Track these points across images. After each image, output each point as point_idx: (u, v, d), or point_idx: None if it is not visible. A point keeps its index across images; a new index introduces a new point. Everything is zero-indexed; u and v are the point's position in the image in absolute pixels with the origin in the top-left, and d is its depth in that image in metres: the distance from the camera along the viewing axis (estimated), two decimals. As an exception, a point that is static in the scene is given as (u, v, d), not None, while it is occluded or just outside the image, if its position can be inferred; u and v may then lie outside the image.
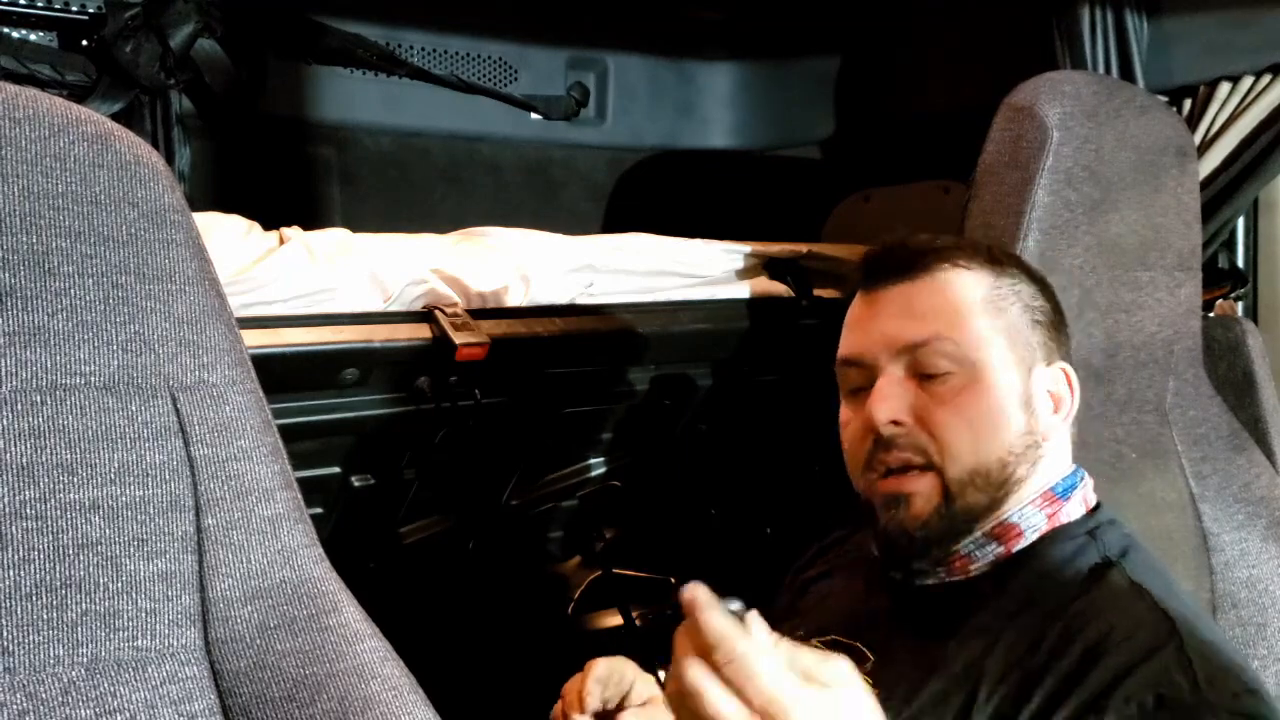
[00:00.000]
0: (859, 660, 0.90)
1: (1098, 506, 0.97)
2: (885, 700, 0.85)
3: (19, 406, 0.67)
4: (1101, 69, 1.43)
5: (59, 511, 0.68)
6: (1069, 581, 0.88)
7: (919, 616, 0.93)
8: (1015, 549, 0.91)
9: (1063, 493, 0.94)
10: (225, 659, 0.74)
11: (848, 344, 0.97)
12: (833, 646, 0.94)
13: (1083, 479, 0.97)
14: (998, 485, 0.90)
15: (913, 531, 0.90)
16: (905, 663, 0.89)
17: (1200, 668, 0.78)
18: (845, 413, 0.98)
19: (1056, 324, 0.97)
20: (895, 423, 0.91)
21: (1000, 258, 0.97)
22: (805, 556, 1.17)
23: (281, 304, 1.17)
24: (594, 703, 0.95)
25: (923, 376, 0.91)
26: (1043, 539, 0.92)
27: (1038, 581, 0.89)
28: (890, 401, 0.91)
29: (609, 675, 0.96)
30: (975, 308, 0.92)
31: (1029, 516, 0.92)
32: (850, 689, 0.63)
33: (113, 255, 0.71)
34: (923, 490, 0.90)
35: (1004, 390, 0.91)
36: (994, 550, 0.92)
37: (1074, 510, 0.94)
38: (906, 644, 0.91)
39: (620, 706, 0.95)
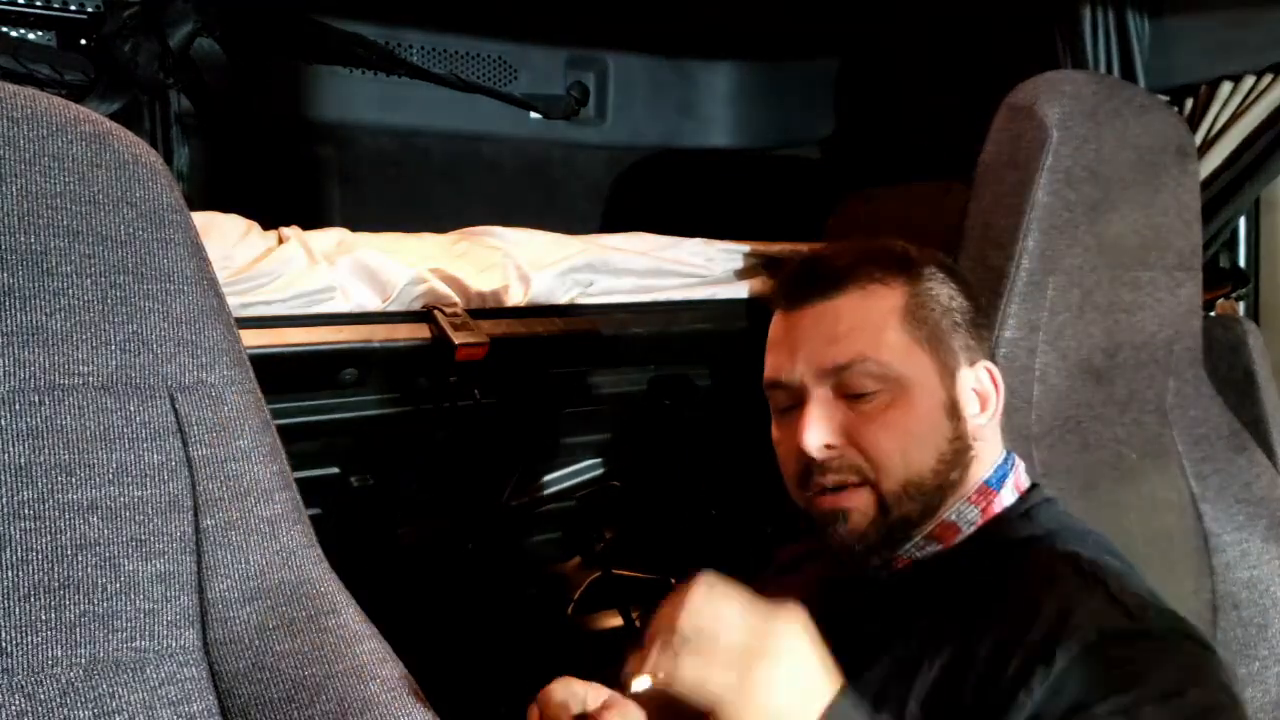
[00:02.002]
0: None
1: (1033, 487, 1.00)
2: None
3: (17, 406, 0.67)
4: (1102, 69, 1.42)
5: (57, 512, 0.68)
6: (1003, 560, 0.92)
7: (863, 605, 0.96)
8: (954, 543, 0.95)
9: (995, 483, 0.97)
10: (224, 660, 0.74)
11: (772, 367, 0.99)
12: None
13: (1013, 464, 1.00)
14: (931, 493, 0.93)
15: (853, 545, 0.94)
16: (850, 651, 0.90)
17: (1131, 605, 0.84)
18: (777, 433, 1.00)
19: (976, 321, 0.99)
20: (827, 446, 0.93)
21: (917, 260, 0.98)
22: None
23: (281, 304, 1.17)
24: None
25: (850, 396, 0.93)
26: (979, 530, 0.95)
27: (975, 567, 0.93)
28: (820, 425, 0.93)
29: (568, 695, 0.91)
30: (894, 322, 0.94)
31: (965, 513, 0.95)
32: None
33: (111, 255, 0.71)
34: (859, 505, 0.93)
35: (930, 401, 0.94)
36: (934, 548, 0.95)
37: (1007, 497, 0.97)
38: (850, 632, 0.91)
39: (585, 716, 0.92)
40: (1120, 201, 1.23)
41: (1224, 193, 1.45)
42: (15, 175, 0.68)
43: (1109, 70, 1.42)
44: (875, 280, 0.95)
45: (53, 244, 0.69)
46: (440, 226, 1.48)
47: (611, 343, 1.41)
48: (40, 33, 1.32)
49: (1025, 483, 1.00)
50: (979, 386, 0.97)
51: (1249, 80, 1.41)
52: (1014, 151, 1.18)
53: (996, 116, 1.21)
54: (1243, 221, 1.60)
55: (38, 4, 1.29)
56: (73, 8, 1.31)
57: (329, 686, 0.74)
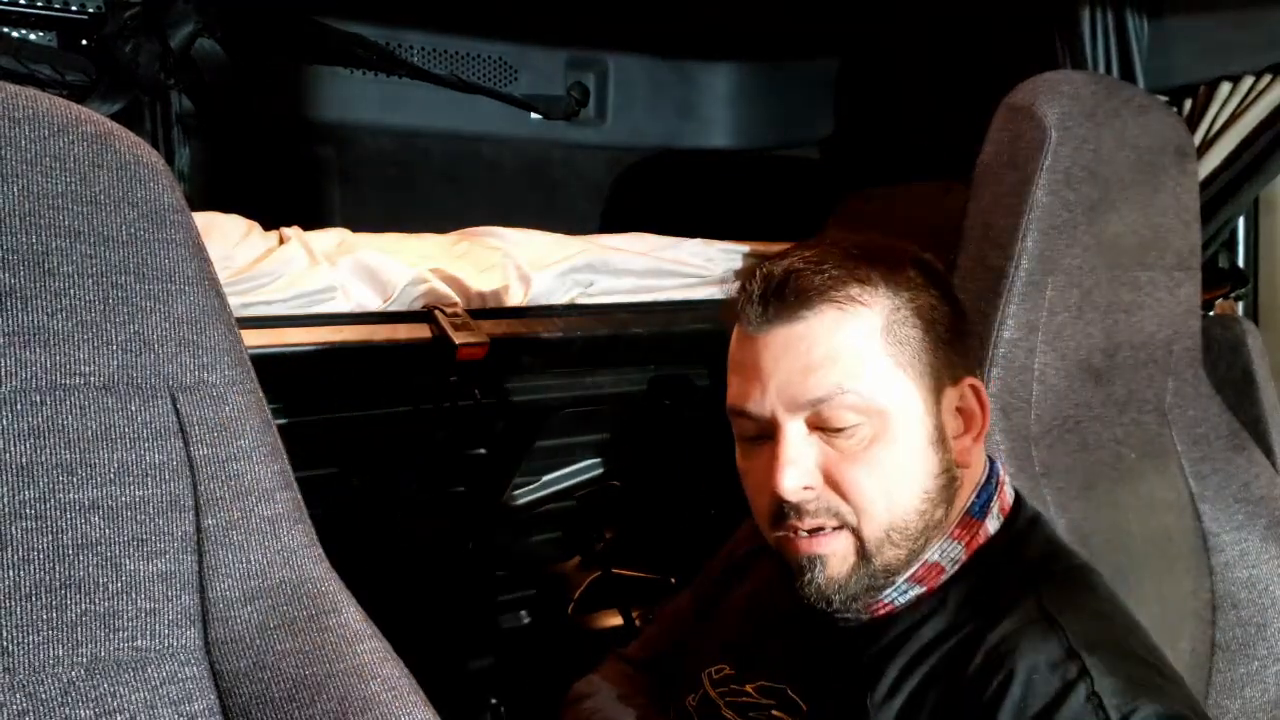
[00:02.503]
0: (792, 710, 0.90)
1: (1016, 505, 0.93)
2: None
3: (18, 406, 0.67)
4: (1101, 69, 1.43)
5: (59, 512, 0.68)
6: (986, 616, 0.84)
7: (845, 658, 0.89)
8: (936, 585, 0.88)
9: (979, 512, 0.90)
10: (225, 659, 0.74)
11: (738, 395, 0.88)
12: (766, 693, 0.93)
13: (996, 479, 0.93)
14: (915, 536, 0.86)
15: (829, 595, 0.86)
16: (835, 712, 0.87)
17: (1115, 706, 0.75)
18: (742, 461, 0.91)
19: (960, 330, 0.90)
20: (805, 488, 0.84)
21: (894, 263, 0.88)
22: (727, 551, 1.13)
23: (282, 304, 1.18)
24: None
25: (827, 431, 0.84)
26: (962, 568, 0.88)
27: (958, 619, 0.85)
28: (796, 466, 0.84)
29: None
30: (875, 345, 0.84)
31: (948, 550, 0.88)
32: None
33: (112, 255, 0.71)
34: (839, 551, 0.85)
35: (914, 432, 0.85)
36: (916, 592, 0.88)
37: (992, 526, 0.90)
38: (833, 689, 0.88)
39: None
40: (1119, 202, 1.23)
41: (1223, 193, 1.45)
42: (17, 175, 0.68)
43: (1108, 70, 1.43)
44: (852, 298, 0.85)
45: (54, 244, 0.69)
46: (440, 227, 1.48)
47: (611, 343, 1.41)
48: (42, 33, 1.32)
49: (1009, 498, 0.93)
50: (964, 404, 0.89)
51: (1248, 81, 1.41)
52: (1013, 152, 1.18)
53: (995, 117, 1.21)
54: (1241, 221, 1.61)
55: (39, 5, 1.29)
56: (74, 8, 1.31)
57: (330, 685, 0.75)
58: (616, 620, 1.59)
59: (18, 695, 0.66)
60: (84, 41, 1.31)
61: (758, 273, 0.88)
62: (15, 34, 1.30)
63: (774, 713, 0.91)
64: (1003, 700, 0.77)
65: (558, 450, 1.57)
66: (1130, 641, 0.83)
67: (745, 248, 1.56)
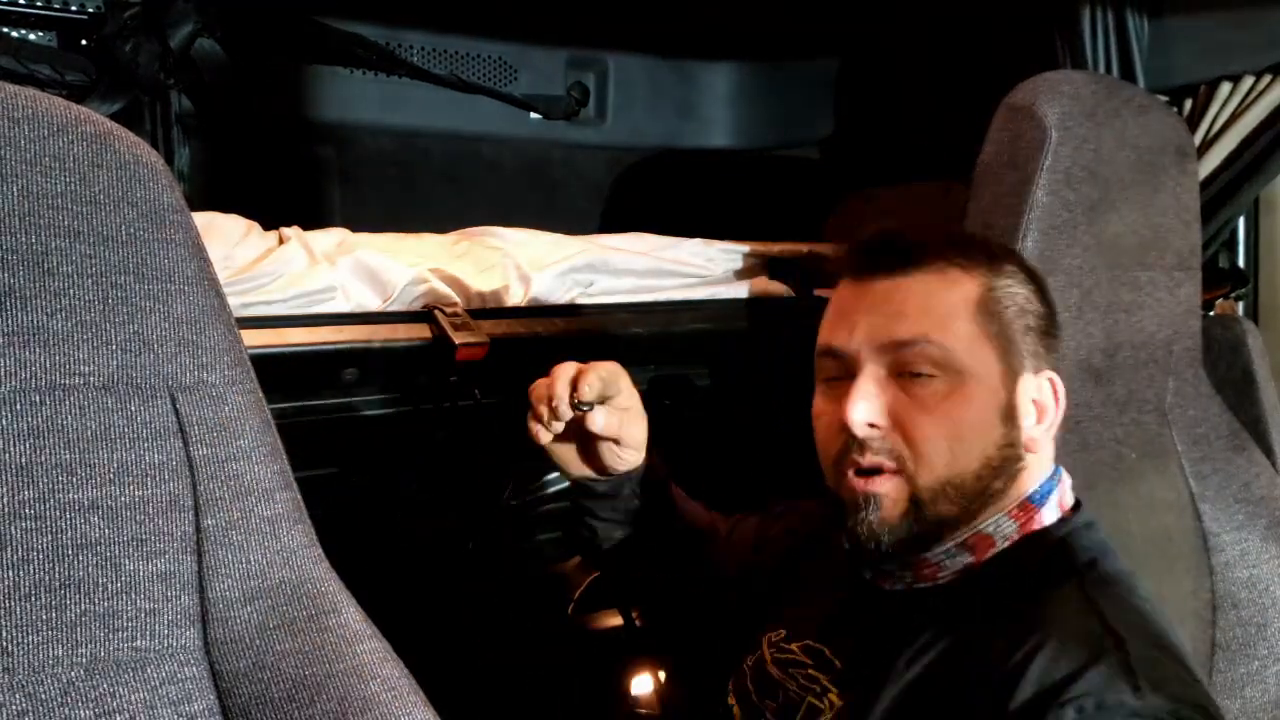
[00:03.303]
0: (827, 668, 0.93)
1: (1076, 506, 0.95)
2: (849, 707, 0.89)
3: (17, 407, 0.67)
4: (1102, 69, 1.43)
5: (58, 512, 0.68)
6: (1027, 592, 0.86)
7: (883, 622, 0.92)
8: (984, 558, 0.90)
9: (1039, 500, 0.92)
10: (225, 659, 0.74)
11: (829, 333, 0.93)
12: (808, 653, 0.96)
13: (1060, 480, 0.95)
14: (971, 497, 0.88)
15: (880, 536, 0.89)
16: (867, 671, 0.89)
17: (1144, 681, 0.76)
18: (820, 403, 0.95)
19: (1049, 329, 0.94)
20: (871, 424, 0.88)
21: (999, 254, 0.94)
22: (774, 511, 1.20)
23: (281, 304, 1.17)
24: (592, 394, 1.01)
25: (904, 376, 0.88)
26: (1013, 546, 0.90)
27: (999, 592, 0.88)
28: (868, 402, 0.88)
29: (612, 377, 1.03)
30: (967, 311, 0.89)
31: (1002, 526, 0.90)
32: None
33: (112, 255, 0.71)
34: (892, 494, 0.88)
35: (987, 400, 0.88)
36: (964, 560, 0.90)
37: (1049, 515, 0.92)
38: (869, 651, 0.91)
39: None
40: (1119, 202, 1.23)
41: (1223, 193, 1.45)
42: (16, 175, 0.68)
43: (1108, 70, 1.43)
44: (955, 265, 0.90)
45: (54, 244, 0.69)
46: (440, 227, 1.48)
47: (611, 343, 1.41)
48: (41, 33, 1.32)
49: (1069, 500, 0.95)
50: (1039, 397, 0.92)
51: (1248, 81, 1.41)
52: (1013, 152, 1.18)
53: (995, 117, 1.21)
54: (1242, 222, 1.61)
55: (39, 5, 1.29)
56: (74, 8, 1.31)
57: (330, 686, 0.75)
58: (616, 620, 1.59)
59: (17, 695, 0.66)
60: (84, 41, 1.31)
61: (877, 230, 0.95)
62: (15, 34, 1.30)
63: (810, 671, 0.94)
64: (1030, 663, 0.79)
65: (558, 450, 1.57)
66: (1165, 639, 0.84)
67: (745, 248, 1.56)
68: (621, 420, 1.05)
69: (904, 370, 0.88)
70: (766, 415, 1.69)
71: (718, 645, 1.14)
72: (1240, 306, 1.64)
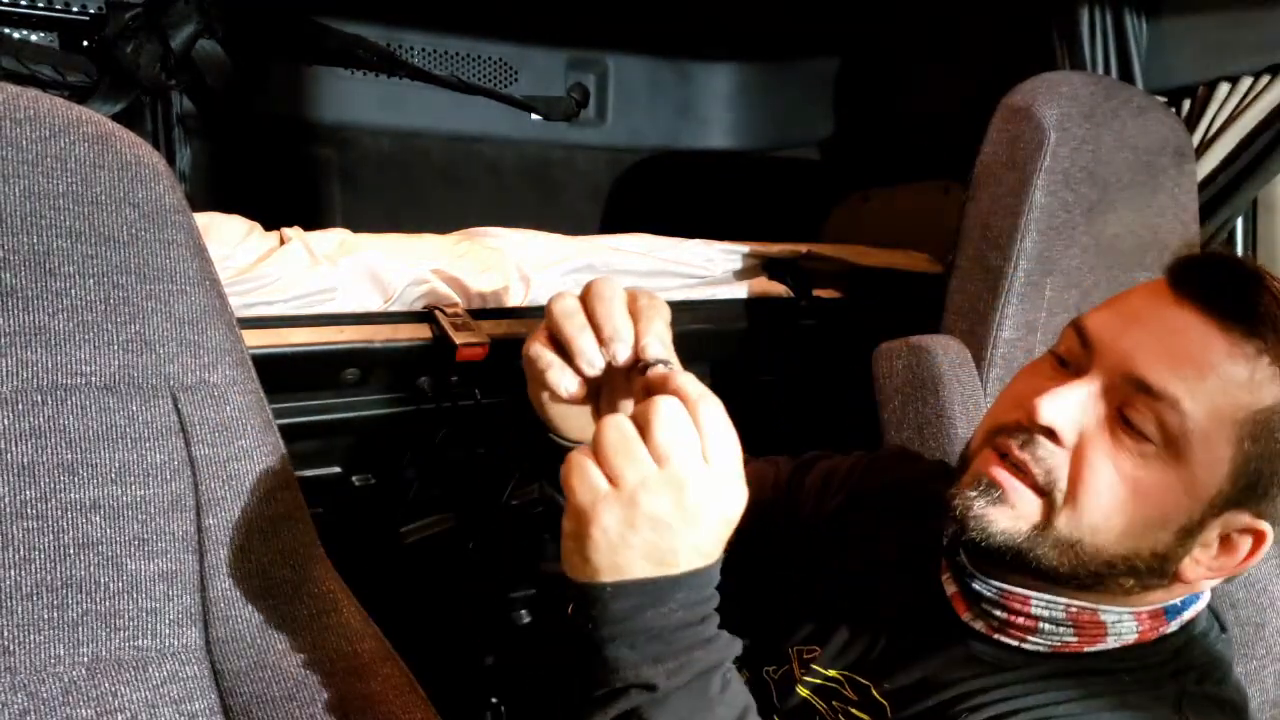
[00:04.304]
0: (875, 710, 0.82)
1: (1207, 612, 0.83)
2: None
3: (20, 406, 0.67)
4: (1100, 69, 1.43)
5: (60, 511, 0.68)
6: (1120, 692, 0.76)
7: (951, 677, 0.80)
8: (1087, 650, 0.78)
9: (1173, 613, 0.80)
10: (226, 658, 0.74)
11: (1097, 322, 0.77)
12: (852, 686, 0.85)
13: (1201, 600, 0.82)
14: (1088, 574, 0.75)
15: (972, 525, 0.76)
16: (940, 704, 0.80)
17: None
18: (1034, 365, 0.81)
19: None
20: (1053, 433, 0.74)
21: None
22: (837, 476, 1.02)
23: (282, 304, 1.18)
24: (662, 344, 0.70)
25: (1124, 421, 0.73)
26: (1123, 649, 0.79)
27: (1089, 688, 0.76)
28: (1067, 412, 0.74)
29: (666, 323, 0.72)
30: (1238, 414, 0.71)
31: (1123, 624, 0.78)
32: (731, 498, 0.62)
33: (113, 255, 0.71)
34: (1018, 506, 0.76)
35: (1177, 502, 0.73)
36: (1064, 636, 0.78)
37: (1174, 626, 0.80)
38: (927, 705, 0.79)
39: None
40: (1118, 202, 1.23)
41: (1221, 194, 1.45)
42: (18, 176, 0.68)
43: (1107, 71, 1.43)
44: (1271, 356, 0.71)
45: (55, 244, 0.69)
46: (441, 227, 1.48)
47: (611, 343, 1.41)
48: (43, 34, 1.32)
49: (1195, 614, 0.82)
50: (1233, 541, 0.76)
51: (1246, 81, 1.41)
52: (1012, 152, 1.18)
53: (995, 117, 1.21)
54: (1240, 222, 1.60)
55: (40, 6, 1.29)
56: (75, 10, 1.31)
57: (330, 684, 0.75)
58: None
59: (19, 695, 0.67)
60: (85, 43, 1.32)
61: (1235, 255, 0.81)
62: (17, 35, 1.30)
63: (854, 710, 0.84)
64: None
65: (558, 450, 1.57)
66: None
67: (745, 248, 1.56)
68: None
69: (1128, 415, 0.73)
70: (766, 415, 1.69)
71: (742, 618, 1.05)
72: (1239, 307, 1.64)
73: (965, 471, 0.79)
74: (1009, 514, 0.76)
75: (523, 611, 1.56)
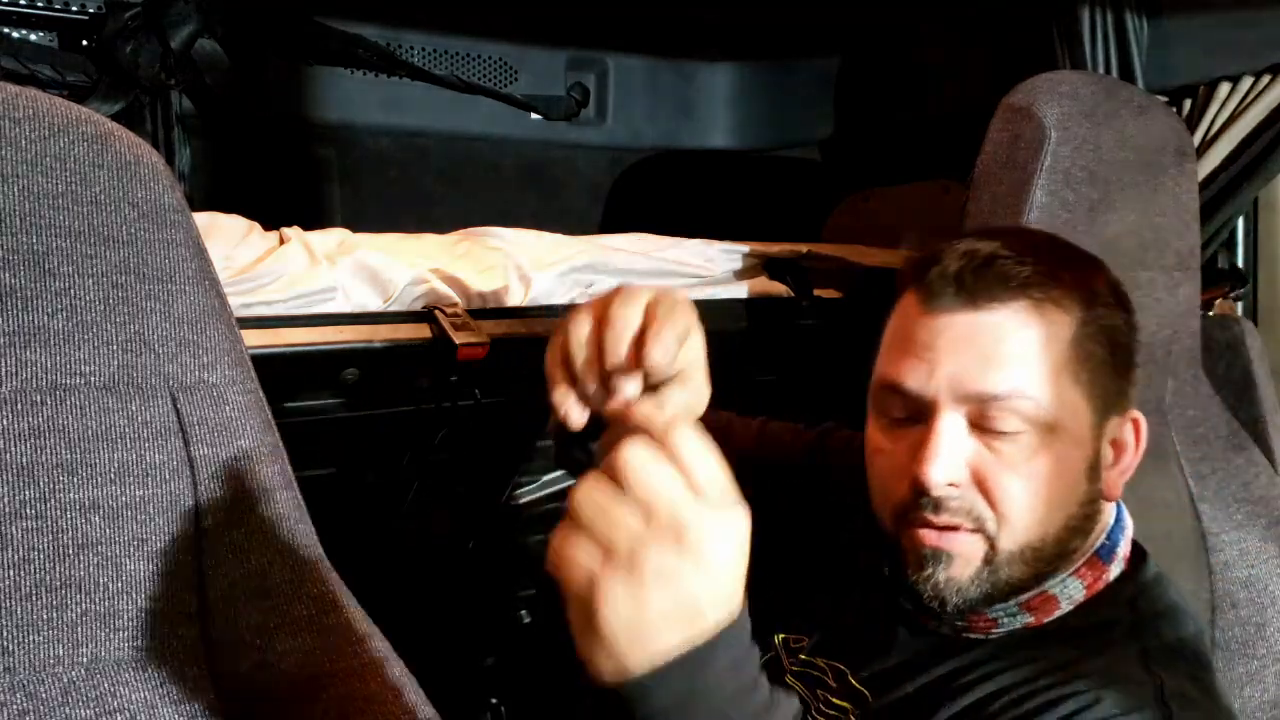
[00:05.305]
0: (856, 699, 0.86)
1: (1138, 555, 0.88)
2: None
3: (19, 406, 0.67)
4: (1101, 69, 1.43)
5: (59, 511, 0.68)
6: (1086, 656, 0.79)
7: (923, 663, 0.84)
8: (1045, 621, 0.83)
9: (1107, 555, 0.85)
10: (226, 659, 0.74)
11: (900, 371, 0.81)
12: (835, 675, 0.88)
13: (1125, 526, 0.87)
14: (1048, 560, 0.81)
15: (947, 596, 0.81)
16: (900, 711, 0.84)
17: None
18: (879, 439, 0.85)
19: (1134, 359, 0.85)
20: (951, 484, 0.79)
21: (1090, 272, 0.84)
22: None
23: (282, 304, 1.17)
24: (668, 361, 0.66)
25: (988, 430, 0.79)
26: (1077, 609, 0.83)
27: (1056, 655, 0.80)
28: (948, 459, 0.78)
29: (687, 326, 0.68)
30: (1062, 354, 0.79)
31: (1069, 588, 0.83)
32: (734, 525, 0.55)
33: (113, 255, 0.71)
34: (966, 553, 0.80)
35: (1076, 455, 0.80)
36: (1023, 620, 0.83)
37: (1114, 570, 0.85)
38: (905, 692, 0.84)
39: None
40: (1119, 202, 1.23)
41: (1222, 193, 1.45)
42: (17, 175, 0.68)
43: (1107, 70, 1.43)
44: (1052, 300, 0.79)
45: (55, 244, 0.69)
46: (441, 227, 1.48)
47: (611, 343, 1.41)
48: (42, 34, 1.32)
49: (1128, 546, 0.88)
50: (1120, 436, 0.84)
51: (1247, 81, 1.41)
52: (1012, 152, 1.18)
53: (995, 117, 1.21)
54: (1241, 222, 1.61)
55: (40, 5, 1.29)
56: (75, 9, 1.31)
57: (330, 685, 0.75)
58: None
59: (18, 695, 0.66)
60: (84, 42, 1.31)
61: (956, 247, 0.82)
62: (16, 34, 1.30)
63: (834, 699, 0.87)
64: (1075, 716, 0.74)
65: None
66: (1221, 718, 0.79)
67: (745, 248, 1.56)
68: (692, 403, 0.72)
69: (989, 425, 0.79)
70: (766, 416, 1.69)
71: None
72: (1239, 307, 1.64)
73: (904, 556, 0.83)
74: (963, 562, 0.80)
75: (523, 611, 1.56)
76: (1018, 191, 1.17)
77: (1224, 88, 1.43)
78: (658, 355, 0.65)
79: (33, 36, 1.31)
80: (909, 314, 0.83)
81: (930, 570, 0.81)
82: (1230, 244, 1.62)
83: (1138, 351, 0.86)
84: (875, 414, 0.85)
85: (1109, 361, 0.82)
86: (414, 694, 0.76)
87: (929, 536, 0.81)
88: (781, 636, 0.95)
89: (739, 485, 0.56)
